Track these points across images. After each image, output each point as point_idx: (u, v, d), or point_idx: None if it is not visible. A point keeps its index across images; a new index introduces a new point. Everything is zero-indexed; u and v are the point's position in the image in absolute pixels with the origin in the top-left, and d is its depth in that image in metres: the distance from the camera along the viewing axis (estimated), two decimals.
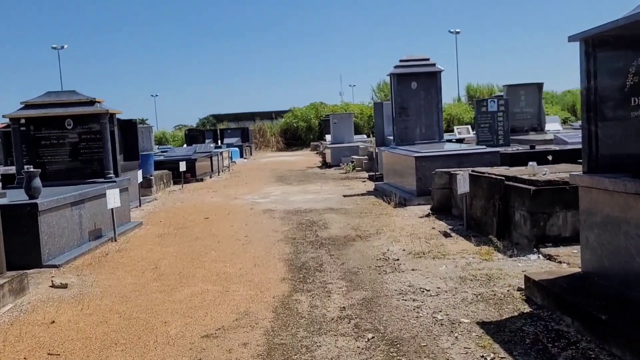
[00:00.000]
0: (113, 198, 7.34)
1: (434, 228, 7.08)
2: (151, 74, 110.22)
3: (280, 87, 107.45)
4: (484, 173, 6.85)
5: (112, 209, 7.34)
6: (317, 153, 28.69)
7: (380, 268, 5.31)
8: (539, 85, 15.01)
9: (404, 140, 11.27)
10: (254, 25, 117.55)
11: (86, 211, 7.13)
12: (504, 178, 6.10)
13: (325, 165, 19.41)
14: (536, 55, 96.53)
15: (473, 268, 5.08)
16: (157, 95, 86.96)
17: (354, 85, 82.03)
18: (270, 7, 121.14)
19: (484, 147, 9.61)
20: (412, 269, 5.18)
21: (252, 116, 48.25)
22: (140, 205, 11.01)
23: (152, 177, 13.36)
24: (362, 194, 11.05)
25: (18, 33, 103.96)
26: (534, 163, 6.19)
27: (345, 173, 16.23)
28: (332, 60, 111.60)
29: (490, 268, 5.04)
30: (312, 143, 34.11)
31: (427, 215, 8.00)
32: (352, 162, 16.96)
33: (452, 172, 7.92)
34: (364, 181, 13.71)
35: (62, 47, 48.75)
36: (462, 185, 6.83)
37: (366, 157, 16.92)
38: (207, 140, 26.69)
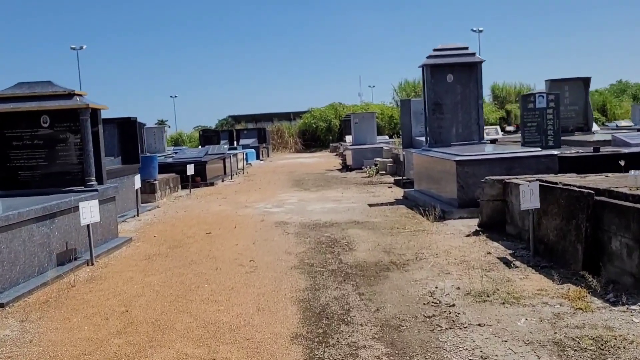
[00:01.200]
0: (90, 211, 5.87)
1: (489, 253, 5.47)
2: (171, 76, 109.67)
3: (298, 88, 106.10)
4: (557, 184, 5.23)
5: (88, 225, 5.88)
6: (336, 155, 27.13)
7: (432, 320, 3.73)
8: (585, 80, 13.26)
9: (438, 142, 9.66)
10: (272, 27, 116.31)
11: (56, 229, 5.67)
12: (592, 192, 4.48)
13: (345, 168, 17.83)
14: (561, 55, 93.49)
15: (567, 324, 3.48)
16: (176, 97, 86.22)
17: (374, 86, 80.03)
18: (288, 8, 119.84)
19: (538, 149, 7.97)
20: (478, 324, 3.60)
21: (270, 117, 46.90)
22: (138, 215, 9.57)
23: (156, 182, 11.94)
24: (390, 203, 9.46)
25: (38, 33, 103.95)
26: (637, 172, 4.55)
27: (369, 177, 14.64)
28: (351, 61, 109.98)
29: (593, 325, 3.43)
30: (331, 144, 32.57)
31: (476, 234, 6.40)
32: (376, 165, 15.37)
33: (508, 181, 6.31)
34: (390, 187, 12.12)
35: (81, 48, 47.85)
36: (529, 199, 5.22)
37: (391, 159, 15.34)
38: (222, 141, 25.30)
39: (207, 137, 24.99)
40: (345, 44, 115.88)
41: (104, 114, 7.54)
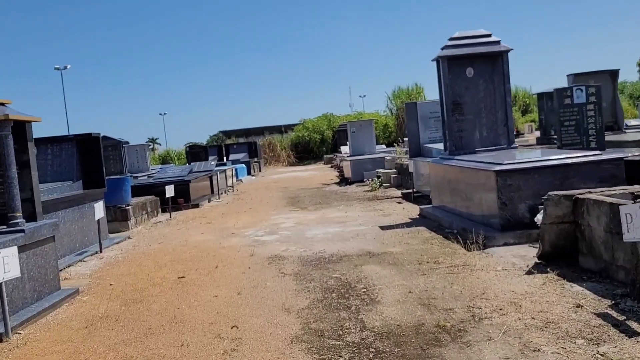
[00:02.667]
0: (2, 265, 4.06)
1: (579, 306, 3.69)
2: (161, 93, 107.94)
3: (289, 102, 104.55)
4: None
5: (0, 284, 4.06)
6: (332, 167, 25.38)
7: None
8: (613, 73, 11.62)
9: (459, 148, 7.92)
10: (260, 42, 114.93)
11: None
12: None
13: (344, 181, 16.04)
14: (571, 53, 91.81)
15: None
16: (165, 114, 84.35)
17: (364, 96, 78.40)
18: (275, 24, 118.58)
19: (599, 152, 6.24)
20: None
21: (261, 131, 45.22)
22: (101, 251, 7.74)
23: (129, 208, 10.11)
24: (407, 224, 7.68)
25: (27, 55, 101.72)
26: None
27: (372, 191, 12.86)
28: (341, 72, 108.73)
29: None
30: (325, 156, 30.81)
31: (540, 270, 4.62)
32: (379, 177, 13.60)
33: (581, 197, 4.55)
34: (400, 202, 10.34)
35: (65, 68, 46.17)
36: (637, 226, 3.47)
37: (395, 170, 13.58)
38: (210, 157, 23.46)
39: (194, 153, 23.16)
40: (333, 56, 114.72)
41: (59, 130, 5.76)
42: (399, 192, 11.80)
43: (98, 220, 7.80)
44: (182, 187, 13.04)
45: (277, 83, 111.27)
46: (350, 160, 15.61)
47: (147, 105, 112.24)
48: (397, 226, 7.59)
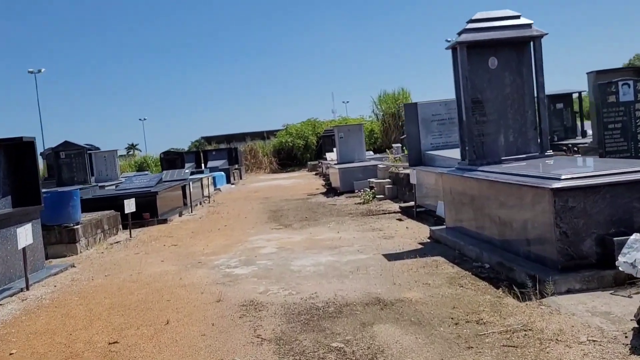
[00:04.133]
0: None
1: None
2: (141, 99, 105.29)
3: (271, 108, 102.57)
4: None
5: None
6: (316, 174, 23.69)
7: None
8: (638, 70, 10.19)
9: (480, 156, 6.28)
10: (242, 48, 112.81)
11: None
12: None
13: (332, 191, 14.29)
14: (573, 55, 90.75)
15: None
16: (145, 119, 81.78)
17: (348, 102, 76.48)
18: (256, 30, 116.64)
19: None
20: None
21: (243, 137, 43.42)
22: (28, 287, 5.91)
23: (78, 227, 8.28)
24: (418, 252, 5.99)
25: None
26: None
27: (364, 204, 11.18)
28: (323, 78, 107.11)
29: None
30: (309, 163, 29.08)
31: None
32: (372, 187, 11.93)
33: None
34: (401, 219, 8.67)
35: (39, 71, 43.76)
36: None
37: (389, 180, 11.94)
38: (187, 165, 21.61)
39: (170, 160, 21.26)
40: (316, 62, 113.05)
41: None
42: (396, 206, 10.15)
43: (24, 249, 5.96)
44: (149, 199, 11.22)
45: (259, 89, 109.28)
46: (338, 169, 13.90)
47: (127, 111, 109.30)
48: (406, 255, 5.89)
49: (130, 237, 9.32)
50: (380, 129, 31.47)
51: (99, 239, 9.10)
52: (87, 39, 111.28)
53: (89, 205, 10.78)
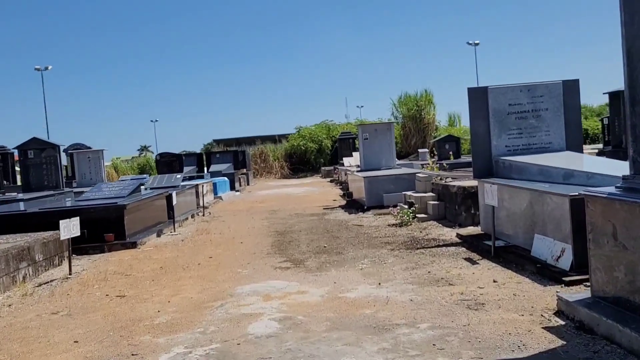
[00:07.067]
0: None
1: None
2: (153, 101, 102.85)
3: (284, 112, 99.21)
4: None
5: None
6: (331, 181, 20.49)
7: None
8: None
9: None
10: (257, 51, 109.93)
11: None
12: None
13: (353, 205, 11.07)
14: (562, 64, 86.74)
15: None
16: (157, 121, 78.95)
17: (362, 106, 72.76)
18: (272, 32, 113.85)
19: None
20: None
21: (254, 140, 40.47)
22: None
23: None
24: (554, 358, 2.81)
25: (10, 57, 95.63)
26: None
27: (402, 226, 7.98)
28: (337, 83, 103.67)
29: None
30: (323, 168, 25.95)
31: None
32: (411, 204, 8.73)
33: None
34: (472, 260, 5.46)
35: (46, 69, 41.12)
36: None
37: (432, 194, 8.75)
38: (186, 168, 18.56)
39: (166, 163, 18.21)
40: (329, 66, 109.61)
41: None
42: (450, 232, 6.97)
43: None
44: (115, 215, 8.13)
45: (272, 93, 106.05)
46: (364, 177, 10.69)
47: (139, 113, 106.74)
48: None
49: (70, 273, 6.22)
50: (400, 133, 28.24)
51: (27, 276, 6.02)
52: (99, 39, 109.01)
53: (32, 221, 7.78)
